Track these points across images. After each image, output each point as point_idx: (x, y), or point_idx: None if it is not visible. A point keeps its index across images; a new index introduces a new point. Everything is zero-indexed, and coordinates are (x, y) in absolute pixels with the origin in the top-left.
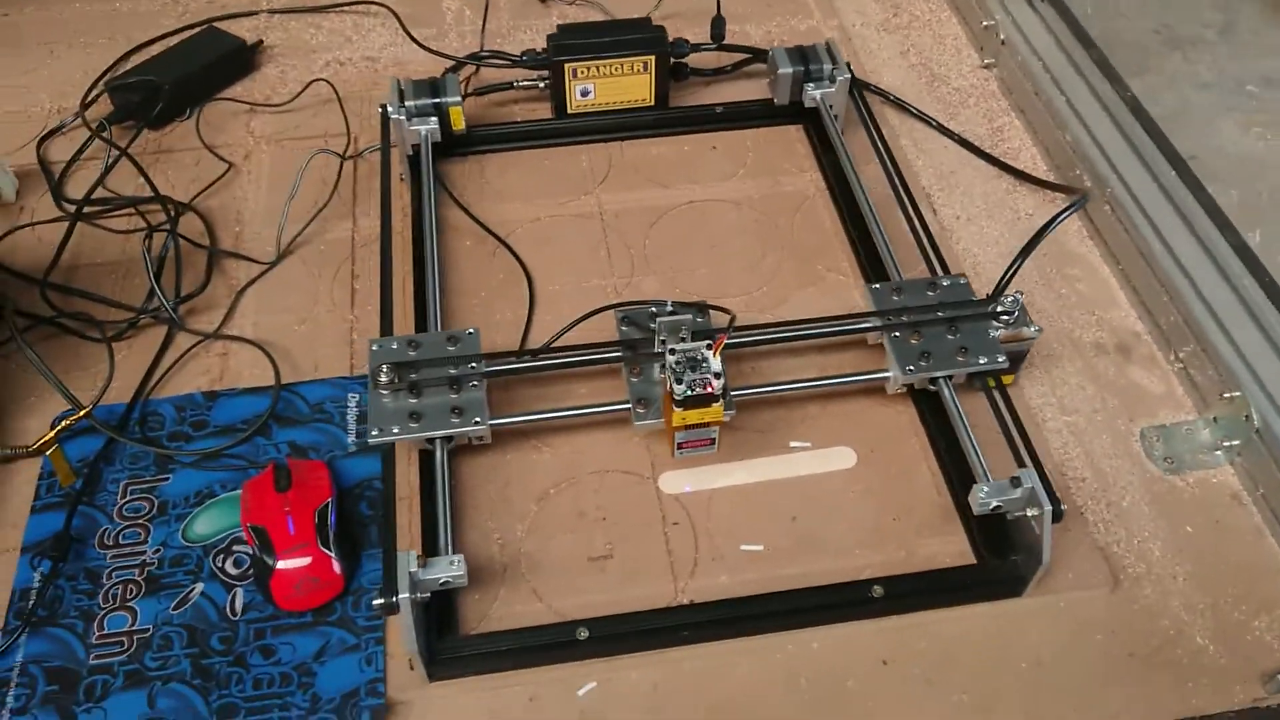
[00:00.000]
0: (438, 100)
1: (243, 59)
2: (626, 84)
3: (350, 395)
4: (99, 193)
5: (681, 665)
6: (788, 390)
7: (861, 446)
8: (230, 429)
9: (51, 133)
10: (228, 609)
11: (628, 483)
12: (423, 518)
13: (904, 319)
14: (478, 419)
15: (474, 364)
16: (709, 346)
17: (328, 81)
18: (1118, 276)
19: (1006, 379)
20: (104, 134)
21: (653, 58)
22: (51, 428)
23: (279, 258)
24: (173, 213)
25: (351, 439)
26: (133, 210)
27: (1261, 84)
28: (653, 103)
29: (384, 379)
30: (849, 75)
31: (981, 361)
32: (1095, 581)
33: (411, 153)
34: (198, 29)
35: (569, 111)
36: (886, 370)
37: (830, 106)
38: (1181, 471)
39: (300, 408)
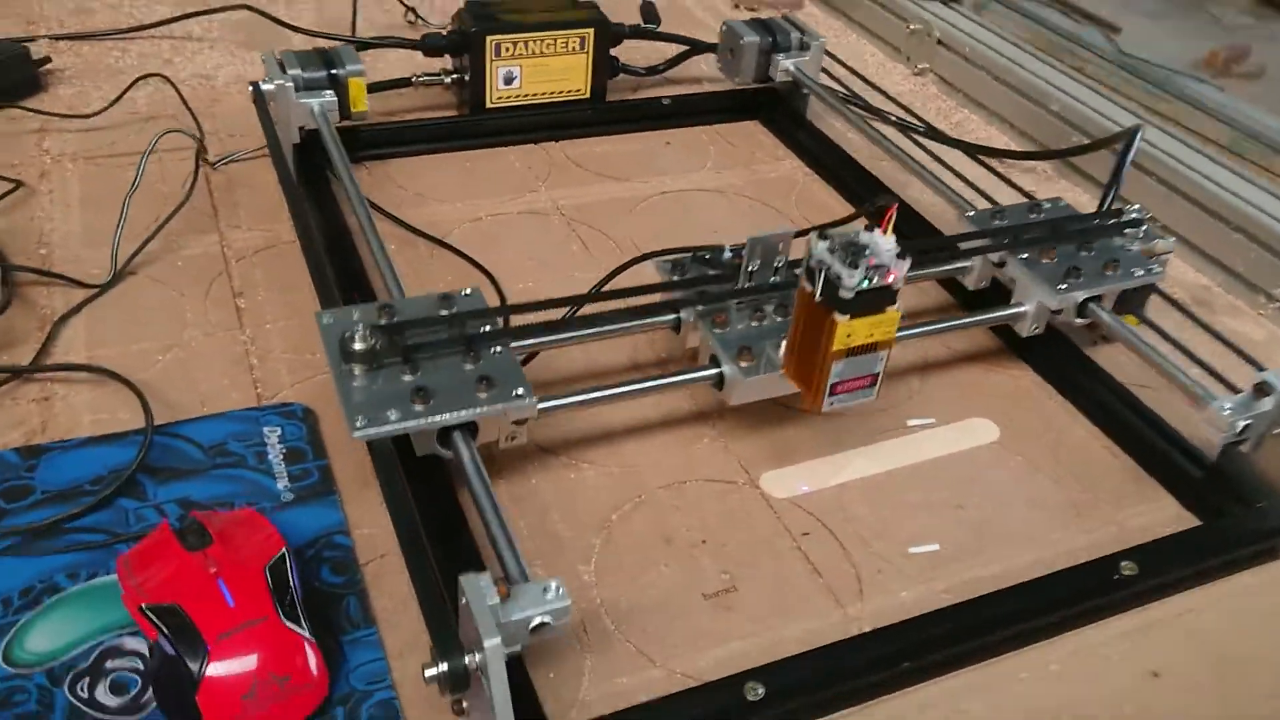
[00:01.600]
0: (334, 70)
1: (25, 72)
2: (559, 68)
3: (268, 430)
4: None
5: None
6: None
7: (996, 416)
8: (72, 493)
9: None
10: None
11: (718, 492)
12: (441, 562)
13: (1035, 235)
14: (519, 390)
15: (496, 319)
16: (870, 227)
17: (165, 78)
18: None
19: (1132, 320)
20: None
21: (590, 32)
22: None
23: (114, 279)
24: None
25: (284, 484)
26: None
27: None
28: (588, 94)
29: (360, 345)
30: (823, 40)
31: (1136, 274)
32: None
33: (299, 139)
34: None
35: (488, 105)
36: (1020, 304)
37: (806, 78)
38: None
39: (189, 453)
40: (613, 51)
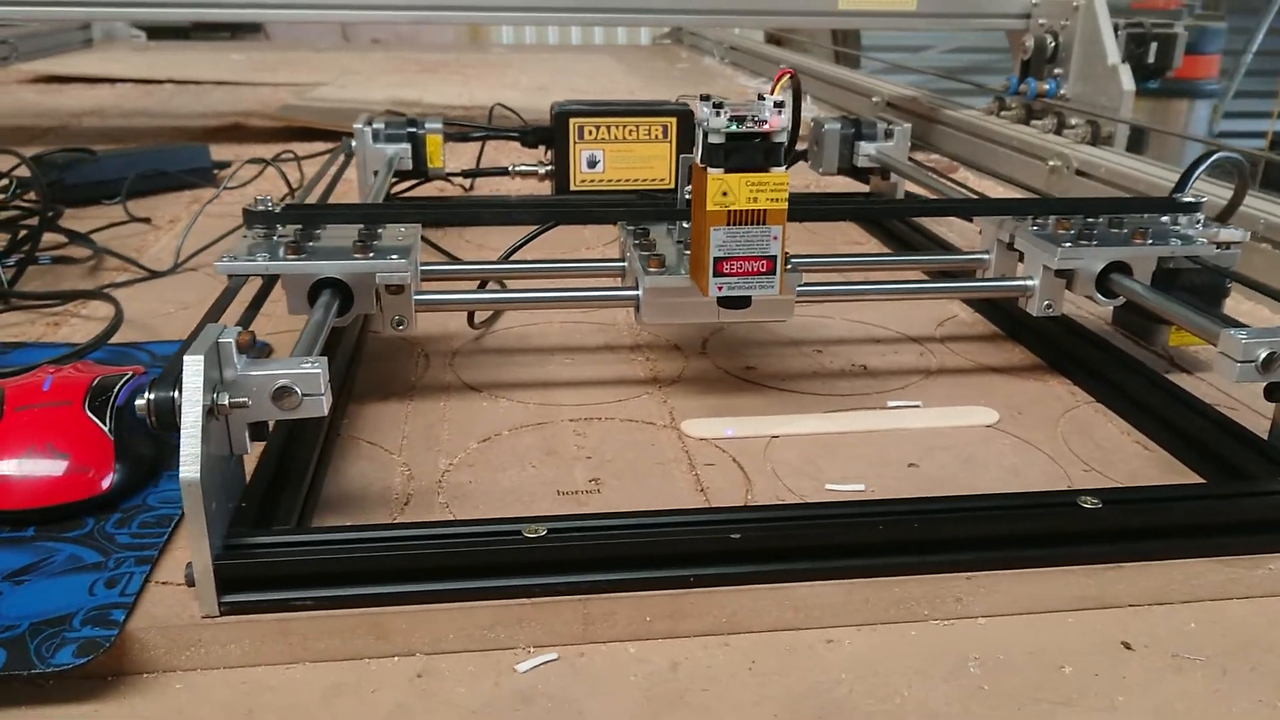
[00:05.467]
0: (413, 129)
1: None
2: (643, 155)
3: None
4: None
5: (736, 618)
6: (876, 291)
7: (1003, 408)
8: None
9: None
10: None
11: (631, 428)
12: None
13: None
14: (395, 255)
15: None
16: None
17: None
18: None
19: (1187, 339)
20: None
21: (673, 121)
22: None
23: (173, 269)
24: (50, 214)
25: None
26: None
27: None
28: (672, 184)
29: (260, 209)
30: (908, 125)
31: (1173, 243)
32: None
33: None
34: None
35: (572, 188)
36: (1027, 277)
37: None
38: None
39: (138, 357)
40: None
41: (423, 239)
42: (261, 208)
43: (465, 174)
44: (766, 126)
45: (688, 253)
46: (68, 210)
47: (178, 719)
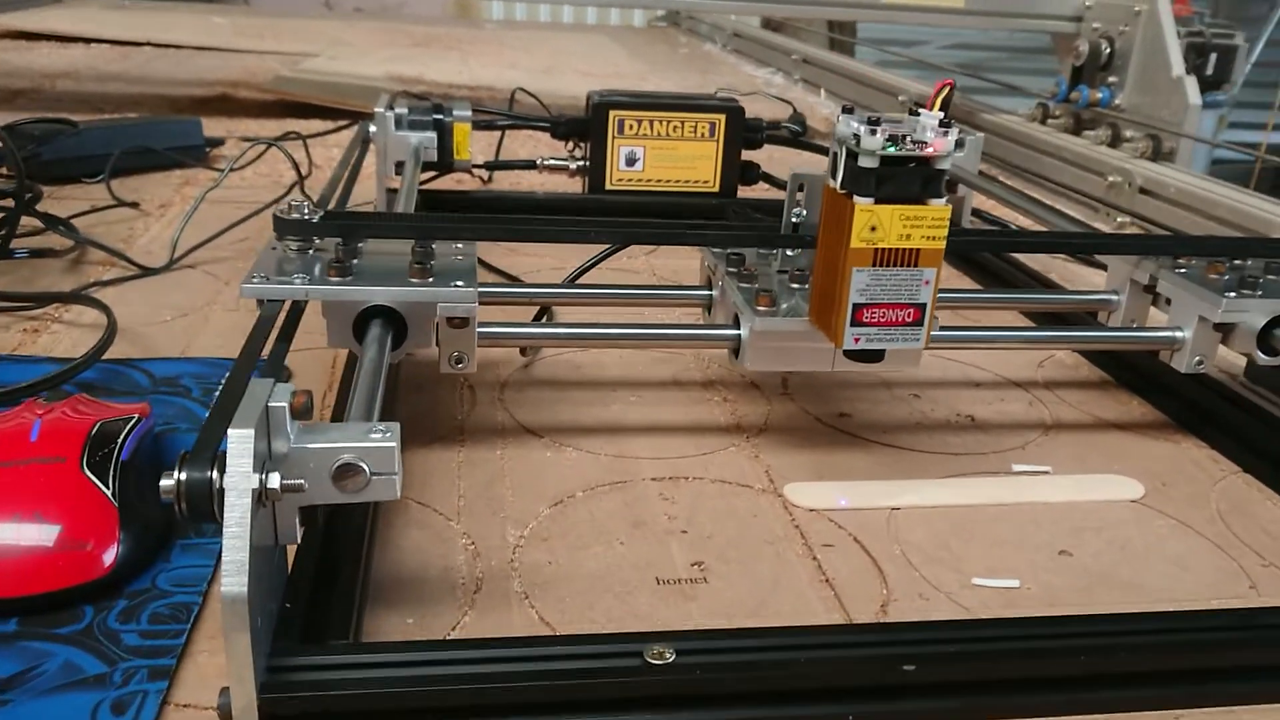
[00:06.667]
0: (439, 115)
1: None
2: (686, 154)
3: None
4: None
5: None
6: (994, 339)
7: (1143, 477)
8: None
9: None
10: None
11: (725, 492)
12: None
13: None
14: (460, 281)
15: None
16: (914, 112)
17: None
18: None
19: None
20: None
21: (722, 119)
22: None
23: (169, 265)
24: (28, 196)
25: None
26: None
27: None
28: (717, 188)
29: (294, 216)
30: (980, 136)
31: None
32: None
33: (393, 171)
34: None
35: (607, 186)
36: (1175, 328)
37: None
38: None
39: (136, 379)
40: (754, 158)
41: (487, 266)
42: (295, 215)
43: (487, 166)
44: (930, 150)
45: (795, 286)
46: (46, 188)
47: None
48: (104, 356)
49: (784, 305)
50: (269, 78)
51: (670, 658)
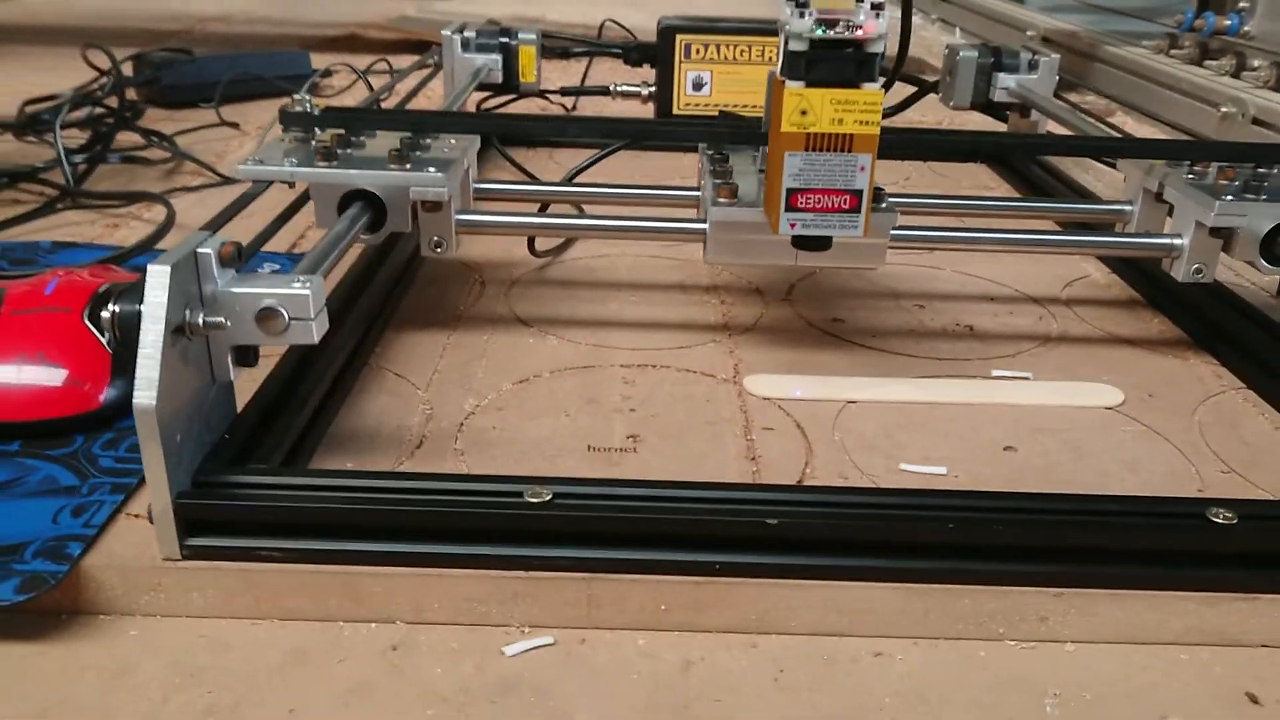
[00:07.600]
0: (506, 39)
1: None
2: (754, 78)
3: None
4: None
5: (767, 616)
6: (987, 240)
7: (1130, 389)
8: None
9: None
10: None
11: (686, 379)
12: None
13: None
14: (432, 169)
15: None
16: None
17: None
18: None
19: None
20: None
21: None
22: None
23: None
24: (128, 113)
25: None
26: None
27: None
28: None
29: (298, 109)
30: (1056, 57)
31: None
32: None
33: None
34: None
35: (675, 111)
36: (1175, 235)
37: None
38: None
39: None
40: None
41: (507, 158)
42: (299, 108)
43: (563, 91)
44: (860, 33)
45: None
46: (164, 111)
47: (118, 671)
48: (161, 246)
49: (745, 198)
50: (395, 17)
51: (546, 496)
